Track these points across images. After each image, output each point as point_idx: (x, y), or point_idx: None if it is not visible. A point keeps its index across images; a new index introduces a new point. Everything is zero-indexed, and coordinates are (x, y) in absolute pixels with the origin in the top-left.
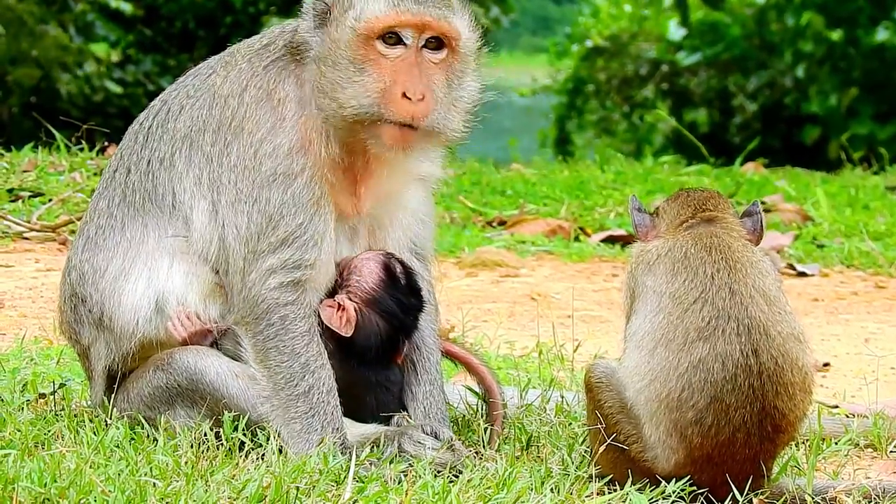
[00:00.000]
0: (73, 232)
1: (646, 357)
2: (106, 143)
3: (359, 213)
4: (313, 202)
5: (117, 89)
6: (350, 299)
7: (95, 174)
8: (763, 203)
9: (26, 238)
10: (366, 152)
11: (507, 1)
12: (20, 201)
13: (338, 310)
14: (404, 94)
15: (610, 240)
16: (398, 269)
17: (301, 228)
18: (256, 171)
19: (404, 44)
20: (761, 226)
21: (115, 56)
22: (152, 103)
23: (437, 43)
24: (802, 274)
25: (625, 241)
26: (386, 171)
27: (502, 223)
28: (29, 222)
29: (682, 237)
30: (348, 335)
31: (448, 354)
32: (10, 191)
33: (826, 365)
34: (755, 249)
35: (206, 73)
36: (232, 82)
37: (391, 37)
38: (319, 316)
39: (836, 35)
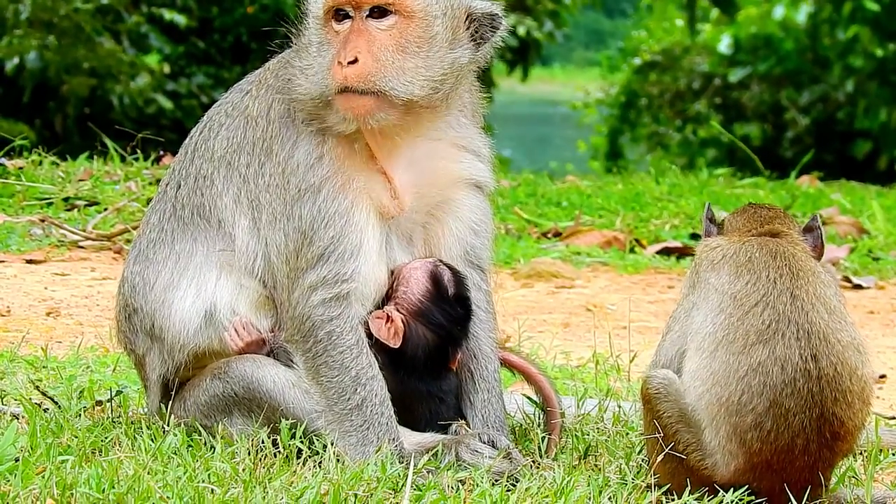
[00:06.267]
0: (128, 241)
1: (707, 360)
2: (161, 153)
3: (402, 210)
4: (341, 213)
5: (168, 104)
6: (398, 310)
7: (151, 183)
8: (819, 216)
9: (82, 247)
10: (361, 139)
11: (560, 15)
12: (76, 210)
13: (386, 321)
14: (339, 62)
15: (665, 252)
16: (447, 277)
17: (335, 242)
18: (286, 189)
19: (351, 17)
20: (822, 241)
21: (168, 68)
22: (202, 118)
23: (382, 11)
24: (858, 286)
25: (680, 252)
26: (400, 150)
27: (557, 234)
28: (84, 231)
29: (747, 242)
30: (396, 347)
31: (506, 363)
32: (66, 199)
33: (882, 377)
34: (818, 263)
35: (245, 89)
36: (261, 101)
37: (340, 13)
38: (368, 327)
39: (882, 51)
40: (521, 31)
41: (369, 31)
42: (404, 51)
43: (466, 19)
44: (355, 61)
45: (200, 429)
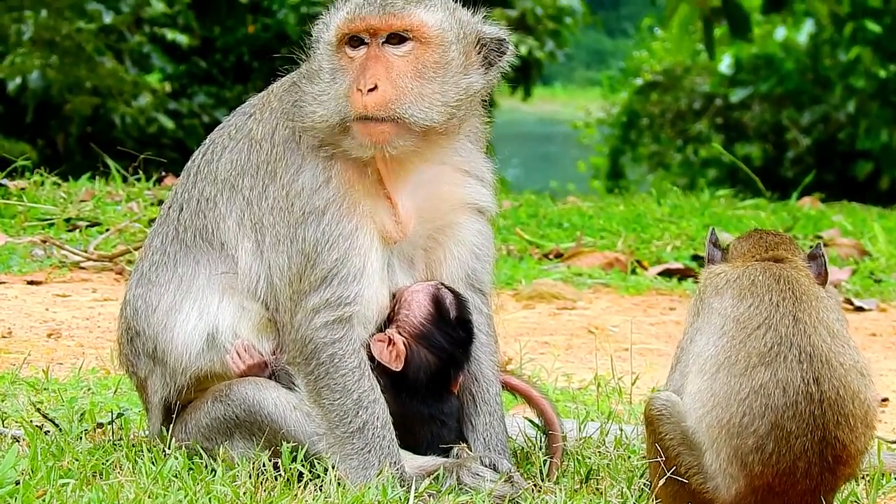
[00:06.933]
0: (130, 262)
1: (708, 382)
2: (163, 173)
3: (405, 234)
4: (345, 236)
5: (170, 124)
6: (399, 333)
7: (153, 204)
8: (820, 237)
9: (83, 268)
10: (373, 164)
11: (561, 35)
12: (77, 231)
13: (388, 344)
14: (358, 89)
15: (667, 273)
16: (448, 300)
17: (338, 264)
18: (290, 212)
19: (367, 44)
20: (825, 269)
21: (169, 88)
22: (205, 140)
23: (399, 38)
24: (860, 309)
25: (682, 274)
26: (407, 175)
27: (559, 255)
28: (86, 252)
29: (751, 266)
30: (398, 370)
31: (508, 386)
32: (67, 220)
33: (885, 400)
34: (821, 289)
35: (248, 112)
36: (265, 124)
37: (355, 40)
38: (370, 350)
39: (884, 72)
40: (523, 50)
41: (387, 58)
42: (422, 77)
43: (477, 44)
44: (375, 88)
45: (202, 452)
